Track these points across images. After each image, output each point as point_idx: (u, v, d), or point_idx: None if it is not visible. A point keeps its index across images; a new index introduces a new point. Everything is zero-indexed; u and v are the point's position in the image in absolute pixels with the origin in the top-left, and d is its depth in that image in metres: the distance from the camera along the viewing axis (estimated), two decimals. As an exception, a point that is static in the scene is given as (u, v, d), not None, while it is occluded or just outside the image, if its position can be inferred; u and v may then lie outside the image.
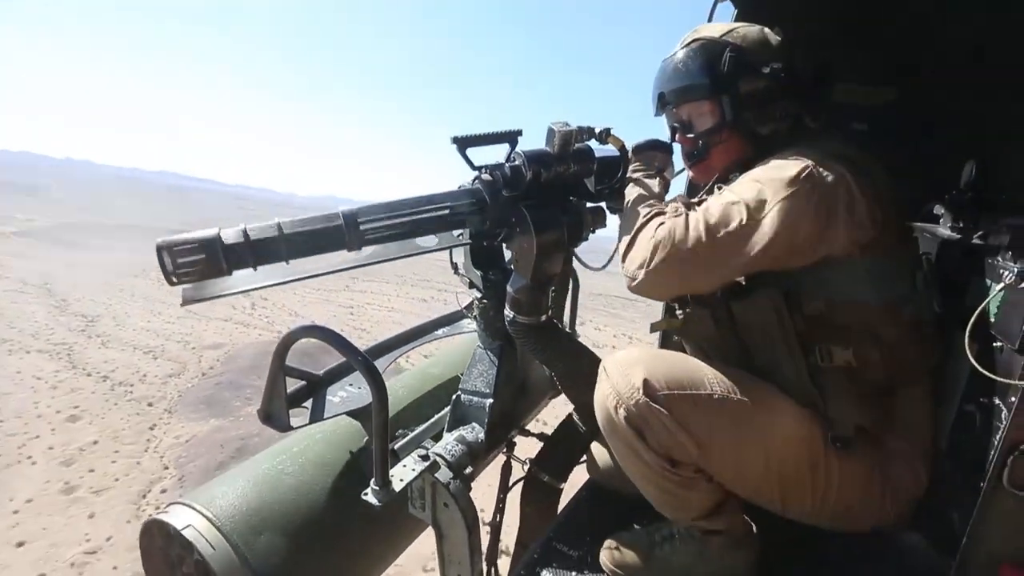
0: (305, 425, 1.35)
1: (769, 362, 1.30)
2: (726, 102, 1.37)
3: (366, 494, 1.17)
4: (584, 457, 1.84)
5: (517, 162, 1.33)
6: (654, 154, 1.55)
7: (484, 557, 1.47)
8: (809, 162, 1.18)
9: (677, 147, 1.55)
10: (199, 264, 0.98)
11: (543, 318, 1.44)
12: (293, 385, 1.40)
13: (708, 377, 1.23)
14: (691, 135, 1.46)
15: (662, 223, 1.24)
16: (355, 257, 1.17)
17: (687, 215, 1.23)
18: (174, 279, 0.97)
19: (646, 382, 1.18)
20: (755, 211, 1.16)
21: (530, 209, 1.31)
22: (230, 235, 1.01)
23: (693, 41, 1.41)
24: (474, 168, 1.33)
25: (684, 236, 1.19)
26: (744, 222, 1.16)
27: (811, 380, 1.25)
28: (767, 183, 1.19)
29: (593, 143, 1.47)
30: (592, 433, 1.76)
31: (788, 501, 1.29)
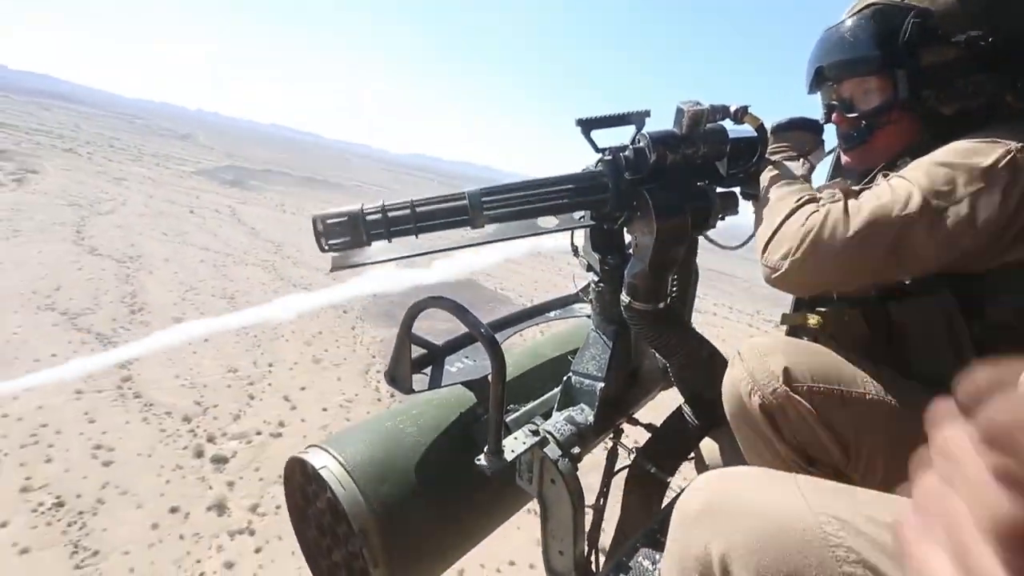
0: (425, 390, 1.44)
1: (934, 372, 1.13)
2: (901, 77, 1.17)
3: (479, 460, 1.23)
4: (692, 454, 1.78)
5: (641, 144, 1.28)
6: (798, 135, 1.41)
7: (586, 537, 1.48)
8: (1013, 146, 0.99)
9: (828, 129, 1.40)
10: (344, 235, 1.11)
11: (661, 305, 1.39)
12: (415, 352, 1.51)
13: (860, 376, 1.10)
14: (852, 115, 1.28)
15: (816, 210, 1.10)
16: (479, 235, 1.24)
17: (847, 201, 1.07)
18: (325, 247, 1.10)
19: (787, 371, 1.08)
20: (938, 202, 0.99)
21: (652, 193, 1.26)
22: (371, 210, 1.12)
23: (867, 6, 1.21)
24: (598, 150, 1.32)
25: (843, 226, 1.04)
26: (922, 214, 0.99)
27: None
28: (956, 169, 1.00)
29: (728, 124, 1.39)
30: (703, 429, 1.69)
31: None
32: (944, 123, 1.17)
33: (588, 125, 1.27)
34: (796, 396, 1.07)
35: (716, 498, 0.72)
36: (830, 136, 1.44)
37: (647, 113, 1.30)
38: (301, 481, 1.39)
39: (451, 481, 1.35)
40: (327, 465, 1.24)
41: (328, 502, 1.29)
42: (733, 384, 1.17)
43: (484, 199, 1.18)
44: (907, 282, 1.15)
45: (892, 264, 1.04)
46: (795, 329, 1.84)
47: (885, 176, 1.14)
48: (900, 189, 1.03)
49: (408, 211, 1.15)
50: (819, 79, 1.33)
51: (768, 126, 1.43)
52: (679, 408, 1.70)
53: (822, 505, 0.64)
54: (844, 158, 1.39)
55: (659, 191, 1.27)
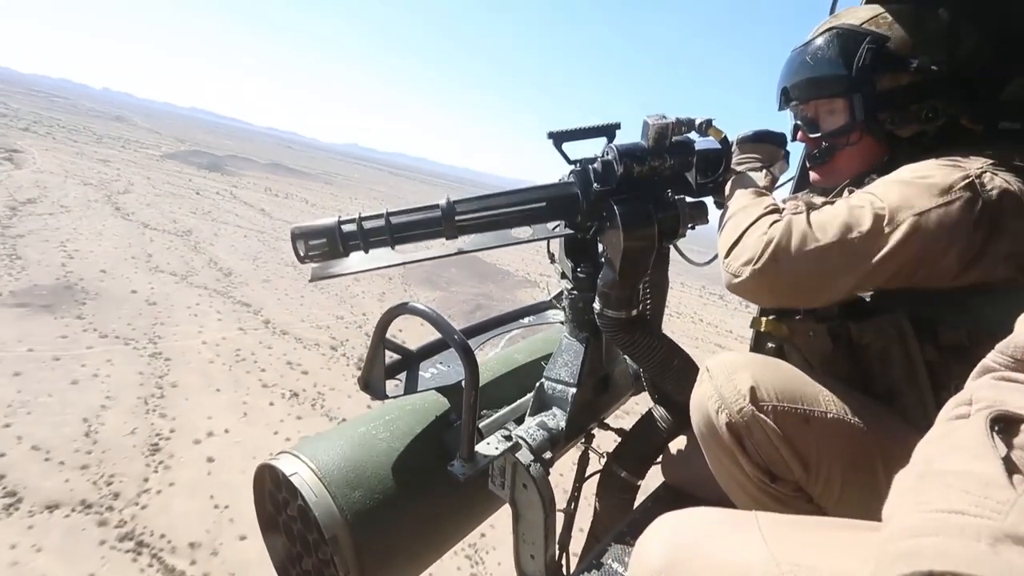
0: (399, 396, 1.44)
1: (889, 390, 1.17)
2: (857, 100, 1.21)
3: (451, 466, 1.24)
4: (660, 457, 1.81)
5: (609, 156, 1.32)
6: (763, 147, 1.45)
7: (557, 541, 1.50)
8: (971, 169, 1.02)
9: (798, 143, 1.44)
10: (323, 247, 1.16)
11: (633, 313, 1.43)
12: (389, 358, 1.51)
13: (823, 394, 1.12)
14: (815, 135, 1.33)
15: (778, 219, 1.11)
16: (455, 245, 1.28)
17: (809, 214, 1.09)
18: (306, 260, 1.15)
19: (753, 390, 1.09)
20: (896, 219, 1.00)
21: (620, 204, 1.29)
22: (347, 223, 1.17)
23: (828, 30, 1.26)
24: (570, 162, 1.36)
25: (803, 237, 1.05)
26: (881, 230, 1.00)
27: None
28: (915, 188, 1.02)
29: (695, 136, 1.43)
30: (671, 433, 1.72)
31: None
32: (904, 145, 1.21)
33: (559, 138, 1.31)
34: (761, 415, 1.08)
35: (676, 553, 0.70)
36: (797, 149, 1.50)
37: (617, 125, 1.34)
38: (271, 488, 1.37)
39: (424, 487, 1.35)
40: (298, 472, 1.23)
41: (299, 509, 1.28)
42: (701, 401, 1.17)
43: (457, 211, 1.22)
44: (867, 300, 1.18)
45: (848, 278, 1.06)
46: (762, 335, 1.89)
47: (850, 192, 1.16)
48: (860, 206, 1.05)
49: (382, 224, 1.19)
50: (786, 98, 1.38)
51: (735, 138, 1.49)
52: (649, 412, 1.73)
53: (785, 553, 0.64)
54: (812, 175, 1.43)
55: (627, 202, 1.30)
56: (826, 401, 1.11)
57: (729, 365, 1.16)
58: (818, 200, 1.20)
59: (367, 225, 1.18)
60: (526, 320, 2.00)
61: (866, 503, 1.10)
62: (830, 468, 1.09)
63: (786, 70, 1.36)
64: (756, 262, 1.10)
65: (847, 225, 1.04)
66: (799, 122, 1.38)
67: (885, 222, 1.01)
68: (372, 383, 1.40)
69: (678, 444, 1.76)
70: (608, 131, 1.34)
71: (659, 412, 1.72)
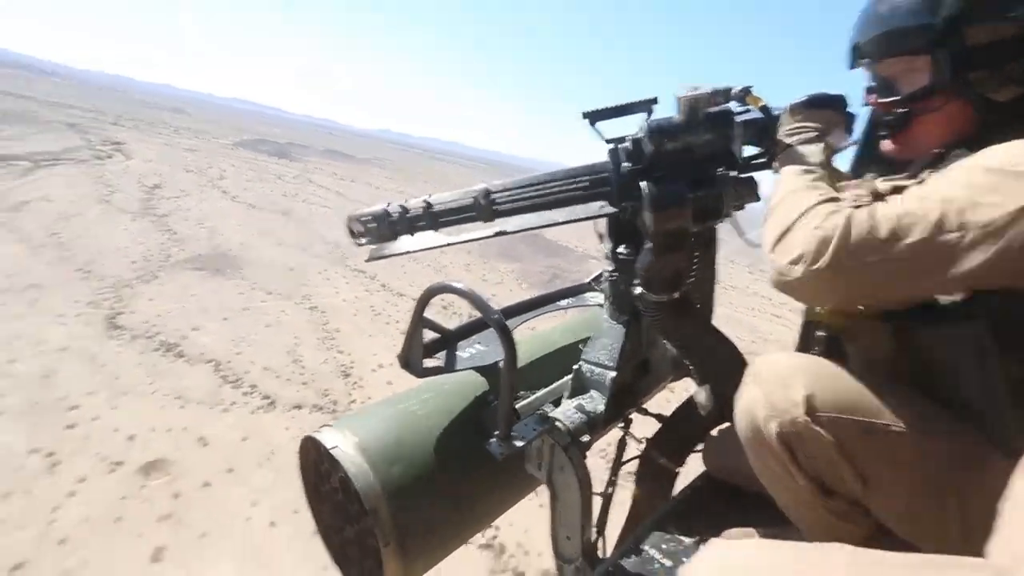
0: (438, 374, 1.46)
1: (963, 403, 1.02)
2: (943, 57, 1.01)
3: (489, 445, 1.25)
4: (701, 445, 1.77)
5: (640, 134, 1.26)
6: (820, 113, 1.23)
7: (594, 524, 1.49)
8: None
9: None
10: (373, 231, 1.34)
11: (676, 296, 1.38)
12: (428, 337, 1.53)
13: (887, 404, 1.00)
14: (889, 98, 1.13)
15: (835, 211, 0.94)
16: (497, 227, 1.33)
17: (875, 207, 0.91)
18: (361, 241, 1.31)
19: (809, 399, 0.99)
20: (978, 220, 0.83)
21: (651, 183, 1.21)
22: (393, 209, 1.32)
23: None
24: (607, 142, 1.32)
25: (865, 237, 0.89)
26: (960, 235, 0.84)
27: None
28: (1004, 179, 0.84)
29: (736, 106, 1.33)
30: (712, 421, 1.67)
31: None
32: (1000, 111, 1.01)
33: (594, 117, 1.28)
34: (817, 427, 0.99)
35: None
36: (861, 114, 1.32)
37: (654, 100, 1.26)
38: (315, 459, 1.42)
39: (461, 464, 1.37)
40: (339, 444, 1.27)
41: (341, 481, 1.32)
42: (748, 407, 1.08)
43: (494, 195, 1.28)
44: (943, 302, 1.01)
45: (919, 287, 0.93)
46: (812, 324, 1.76)
47: (921, 180, 0.98)
48: (935, 201, 0.88)
49: (423, 211, 1.31)
50: (858, 56, 1.18)
51: (788, 105, 1.34)
52: (689, 399, 1.69)
53: None
54: (887, 145, 1.23)
55: (658, 181, 1.22)
56: (889, 413, 1.00)
57: (780, 369, 1.06)
58: (886, 186, 1.04)
59: (410, 212, 1.30)
60: (564, 303, 1.98)
61: (933, 522, 0.98)
62: (892, 484, 1.00)
63: (859, 22, 1.17)
64: (808, 261, 0.94)
65: (918, 226, 0.87)
66: (872, 83, 1.21)
67: (965, 224, 0.84)
68: (411, 361, 1.42)
69: (720, 432, 1.72)
70: (645, 107, 1.28)
71: (700, 398, 1.67)
